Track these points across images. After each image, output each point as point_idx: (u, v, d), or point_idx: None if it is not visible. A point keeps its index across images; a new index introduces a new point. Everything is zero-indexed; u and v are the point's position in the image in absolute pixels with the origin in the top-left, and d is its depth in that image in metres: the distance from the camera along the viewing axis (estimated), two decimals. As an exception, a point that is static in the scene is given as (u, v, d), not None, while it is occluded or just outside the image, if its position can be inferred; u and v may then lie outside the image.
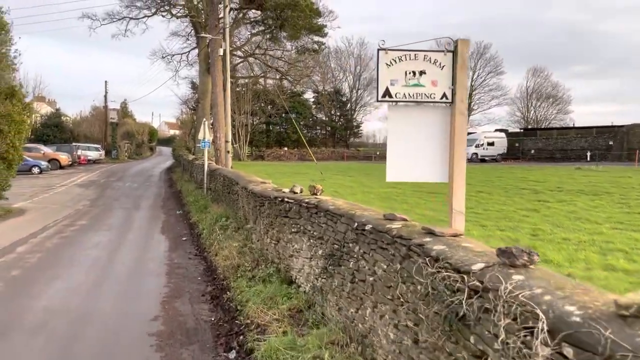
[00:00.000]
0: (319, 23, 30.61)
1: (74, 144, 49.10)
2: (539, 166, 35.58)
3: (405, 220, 4.23)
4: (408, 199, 14.41)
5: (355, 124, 67.61)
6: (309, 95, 64.50)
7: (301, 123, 61.81)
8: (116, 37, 36.38)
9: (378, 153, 65.09)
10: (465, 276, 2.79)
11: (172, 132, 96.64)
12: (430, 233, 3.59)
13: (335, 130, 66.01)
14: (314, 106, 64.39)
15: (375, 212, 4.77)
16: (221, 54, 21.34)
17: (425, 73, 4.57)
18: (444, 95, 4.58)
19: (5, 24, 15.01)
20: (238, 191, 9.89)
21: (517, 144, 53.35)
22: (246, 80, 48.05)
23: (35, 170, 34.34)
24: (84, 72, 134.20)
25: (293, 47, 34.00)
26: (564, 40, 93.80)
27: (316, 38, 32.90)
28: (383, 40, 4.55)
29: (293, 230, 6.03)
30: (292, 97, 57.84)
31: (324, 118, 65.63)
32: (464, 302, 2.68)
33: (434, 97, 4.59)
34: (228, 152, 21.65)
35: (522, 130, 60.65)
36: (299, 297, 5.39)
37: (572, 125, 60.60)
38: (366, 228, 4.25)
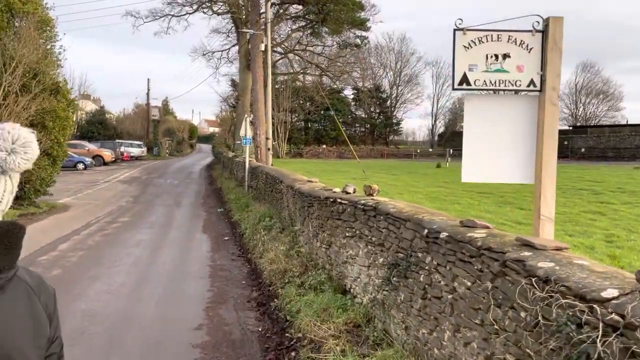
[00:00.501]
0: (362, 17, 29.91)
1: (117, 140, 50.09)
2: (592, 165, 33.85)
3: (487, 227, 3.62)
4: (459, 200, 13.65)
5: (395, 121, 66.51)
6: (348, 92, 63.86)
7: (340, 120, 61.27)
8: (158, 35, 36.75)
9: (419, 151, 63.92)
10: (595, 306, 2.18)
11: (211, 129, 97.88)
12: (528, 245, 2.98)
13: (374, 128, 65.16)
14: (353, 103, 63.70)
15: (447, 217, 4.17)
16: (262, 49, 21.02)
17: (509, 57, 3.94)
18: (532, 82, 3.93)
19: (50, 20, 15.08)
20: (282, 190, 9.43)
21: (565, 142, 51.11)
22: (285, 77, 47.88)
23: (80, 166, 35.08)
24: (128, 71, 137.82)
25: (334, 43, 33.47)
26: (614, 34, 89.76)
27: (358, 32, 32.21)
28: (460, 19, 3.94)
29: (347, 234, 5.49)
30: (331, 94, 57.31)
31: (363, 115, 64.83)
32: (598, 341, 2.08)
33: (520, 85, 3.95)
34: (268, 149, 21.33)
35: (571, 128, 58.22)
36: (355, 310, 4.85)
37: (625, 123, 57.74)
38: (441, 236, 3.65)
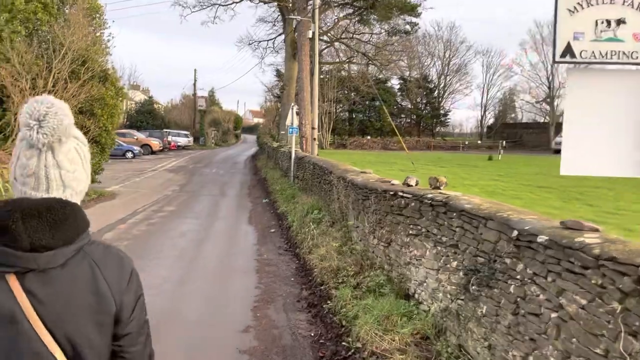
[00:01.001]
0: (412, 2, 28.82)
1: (164, 130, 50.94)
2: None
3: (597, 230, 2.95)
4: (519, 194, 12.75)
5: (442, 112, 64.77)
6: (394, 82, 62.59)
7: (385, 111, 60.20)
8: (205, 24, 36.88)
9: (467, 142, 62.06)
10: None
11: (256, 120, 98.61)
12: (670, 257, 2.31)
13: (420, 119, 63.67)
14: (399, 93, 62.39)
15: (539, 216, 3.51)
16: (310, 36, 20.47)
17: (624, 23, 3.22)
18: (653, 53, 3.21)
19: (99, 7, 15.07)
20: (332, 181, 8.90)
21: None
22: (330, 67, 47.25)
23: (129, 154, 35.75)
24: (176, 62, 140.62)
25: (382, 30, 32.53)
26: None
27: (408, 18, 31.11)
28: (564, -23, 3.25)
29: (411, 232, 4.89)
30: (377, 84, 56.27)
31: (409, 106, 63.41)
32: None
33: (637, 57, 3.23)
34: (314, 139, 20.86)
35: None
36: (422, 319, 4.26)
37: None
38: (538, 240, 3.01)
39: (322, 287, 5.86)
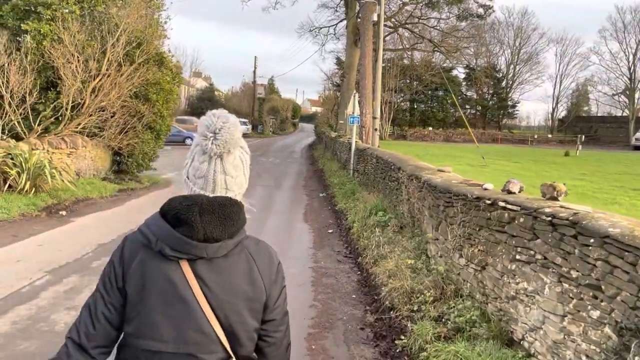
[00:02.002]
0: (488, -17, 26.75)
1: (224, 117, 51.05)
2: None
3: None
4: (616, 198, 11.03)
5: (510, 103, 61.35)
6: (459, 71, 59.77)
7: (449, 101, 57.70)
8: (266, 10, 36.26)
9: (536, 136, 58.56)
10: None
11: (314, 109, 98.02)
12: None
13: (486, 110, 60.60)
14: (464, 83, 59.55)
15: None
16: (375, 19, 19.16)
17: None
18: None
19: (157, -13, 14.50)
20: (401, 179, 7.72)
21: None
22: (392, 55, 45.50)
23: (188, 141, 35.76)
24: (238, 50, 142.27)
25: (451, 15, 30.55)
26: None
27: (482, 0, 29.00)
28: None
29: (518, 257, 3.68)
30: (440, 73, 53.94)
31: (474, 96, 60.46)
32: None
33: None
34: (375, 129, 19.57)
35: None
36: (540, 384, 3.06)
37: None
38: None
39: (391, 313, 4.74)
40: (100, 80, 12.33)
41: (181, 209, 1.40)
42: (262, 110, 61.80)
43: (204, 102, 58.53)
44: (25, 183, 9.44)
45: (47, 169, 9.74)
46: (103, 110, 12.74)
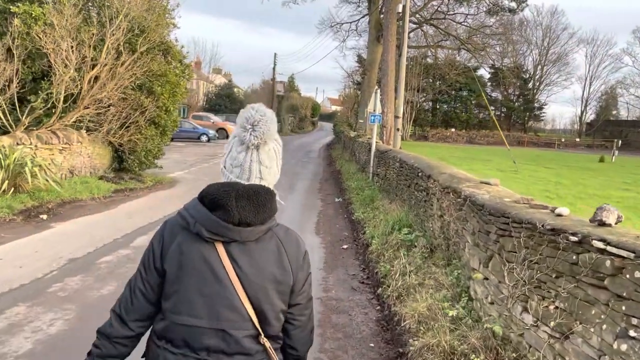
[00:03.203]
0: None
1: (241, 114, 50.09)
2: None
3: None
4: (680, 215, 9.53)
5: (537, 105, 59.16)
6: (484, 72, 57.81)
7: (473, 102, 55.88)
8: (286, 5, 35.05)
9: (563, 140, 56.41)
10: None
11: (333, 107, 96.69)
12: None
13: (512, 112, 58.52)
14: (489, 83, 57.60)
15: None
16: (399, 10, 17.81)
17: None
18: None
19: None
20: (431, 190, 6.41)
21: None
22: (415, 53, 43.95)
23: (204, 138, 34.89)
24: (258, 48, 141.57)
25: (479, 11, 28.94)
26: None
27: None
28: None
29: (632, 332, 2.36)
30: (465, 73, 52.15)
31: (499, 97, 58.44)
32: None
33: None
34: (397, 129, 18.26)
35: None
36: None
37: None
38: None
39: (424, 381, 3.45)
40: (97, 69, 11.25)
41: (218, 194, 1.50)
42: (280, 108, 60.69)
43: (222, 98, 57.68)
44: (2, 182, 8.38)
45: (28, 167, 8.65)
46: (101, 103, 11.66)
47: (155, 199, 11.38)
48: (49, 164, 9.62)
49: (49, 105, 10.54)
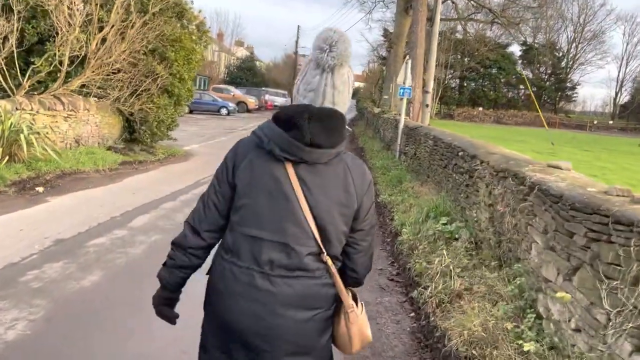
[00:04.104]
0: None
1: (263, 88, 49.12)
2: None
3: None
4: None
5: (569, 85, 56.69)
6: (515, 49, 55.47)
7: (502, 80, 53.78)
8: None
9: (595, 122, 54.15)
10: None
11: (356, 84, 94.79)
12: None
13: (542, 91, 56.18)
14: (519, 61, 55.27)
15: None
16: (433, -24, 16.45)
17: None
18: None
19: None
20: (477, 173, 5.41)
21: None
22: (443, 27, 42.07)
23: (223, 111, 34.13)
24: (281, 22, 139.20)
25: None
26: None
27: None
28: None
29: None
30: (495, 49, 50.03)
31: (530, 76, 56.10)
32: None
33: None
34: (427, 105, 17.09)
35: None
36: None
37: None
38: None
39: None
40: (105, 31, 10.37)
41: (293, 114, 1.56)
42: (302, 82, 59.32)
43: (244, 71, 56.62)
44: (-6, 150, 7.64)
45: (24, 134, 7.88)
46: (109, 67, 10.81)
47: (165, 173, 10.60)
48: (49, 132, 8.84)
49: (52, 68, 9.73)
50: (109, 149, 11.36)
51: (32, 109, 9.09)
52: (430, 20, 19.95)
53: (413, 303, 4.43)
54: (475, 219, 5.23)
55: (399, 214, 6.98)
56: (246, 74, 55.87)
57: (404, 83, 12.02)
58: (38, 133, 8.32)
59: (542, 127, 47.67)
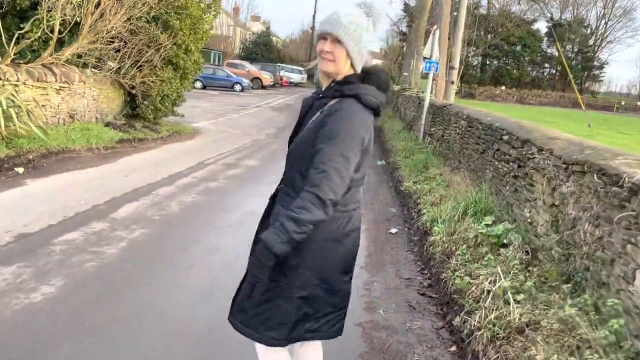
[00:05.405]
0: None
1: (278, 64, 47.79)
2: None
3: None
4: None
5: (596, 64, 54.35)
6: (541, 25, 53.15)
7: (526, 58, 51.68)
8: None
9: (623, 103, 52.01)
10: None
11: (374, 61, 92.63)
12: None
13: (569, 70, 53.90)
14: (545, 38, 53.01)
15: None
16: (463, -61, 15.06)
17: None
18: None
19: None
20: (529, 162, 4.36)
21: None
22: (468, 1, 40.17)
23: (237, 87, 33.11)
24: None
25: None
26: None
27: None
28: None
29: None
30: (520, 27, 47.94)
31: (555, 54, 53.88)
32: None
33: None
34: (452, 82, 15.86)
35: None
36: None
37: None
38: None
39: None
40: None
41: (387, 80, 1.98)
42: (319, 58, 57.77)
43: (260, 47, 55.18)
44: (-31, 126, 6.76)
45: (2, 107, 6.97)
46: (107, 35, 9.83)
47: (165, 153, 9.68)
48: (34, 105, 7.92)
49: (40, 34, 8.77)
50: (107, 125, 10.45)
51: (18, 80, 8.17)
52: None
53: (453, 331, 3.45)
54: (528, 220, 4.20)
55: (427, 207, 5.96)
56: (262, 50, 54.44)
57: (430, 57, 10.83)
58: (20, 106, 7.40)
59: (567, 107, 45.77)
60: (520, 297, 3.24)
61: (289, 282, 1.87)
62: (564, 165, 3.55)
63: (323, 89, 1.97)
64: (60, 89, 9.34)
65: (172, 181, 7.27)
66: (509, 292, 3.18)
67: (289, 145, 2.00)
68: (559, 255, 3.52)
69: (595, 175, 3.02)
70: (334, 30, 1.82)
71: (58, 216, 5.12)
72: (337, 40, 1.83)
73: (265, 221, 1.97)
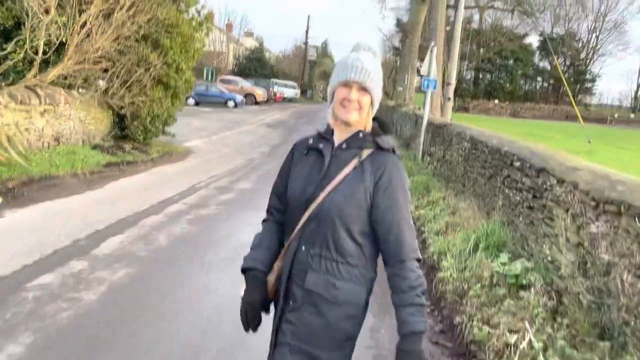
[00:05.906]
0: None
1: (271, 80, 47.65)
2: None
3: None
4: None
5: (588, 77, 54.63)
6: (533, 39, 53.47)
7: (519, 72, 51.90)
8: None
9: (616, 116, 52.19)
10: None
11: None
12: None
13: (560, 83, 54.14)
14: (537, 52, 53.28)
15: None
16: (458, -45, 14.93)
17: None
18: None
19: None
20: (547, 194, 4.01)
21: None
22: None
23: (231, 103, 32.80)
24: (291, 13, 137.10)
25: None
26: None
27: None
28: None
29: None
30: (512, 41, 48.23)
31: (548, 67, 54.11)
32: None
33: None
34: (449, 99, 15.61)
35: None
36: None
37: None
38: None
39: None
40: (88, 14, 9.02)
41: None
42: (312, 74, 57.95)
43: (253, 62, 55.06)
44: (-57, 154, 6.35)
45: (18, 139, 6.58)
46: (95, 54, 9.48)
47: (155, 176, 9.29)
48: (15, 131, 7.53)
49: (24, 55, 8.41)
50: (94, 147, 10.06)
51: (-1, 103, 7.78)
52: (450, 6, 18.41)
53: (474, 391, 3.06)
54: (548, 258, 3.83)
55: (432, 236, 5.59)
56: (255, 65, 54.34)
57: (428, 74, 10.56)
58: (-1, 132, 7.00)
59: (560, 120, 45.81)
60: (550, 353, 2.85)
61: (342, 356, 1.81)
62: (593, 203, 3.19)
63: (335, 134, 1.83)
64: (44, 112, 8.96)
65: (160, 209, 6.86)
66: (540, 356, 2.79)
67: (290, 191, 1.87)
68: (587, 302, 3.15)
69: (637, 219, 2.66)
70: (361, 79, 1.73)
71: (34, 254, 4.70)
72: (363, 89, 1.74)
73: (291, 270, 1.80)
